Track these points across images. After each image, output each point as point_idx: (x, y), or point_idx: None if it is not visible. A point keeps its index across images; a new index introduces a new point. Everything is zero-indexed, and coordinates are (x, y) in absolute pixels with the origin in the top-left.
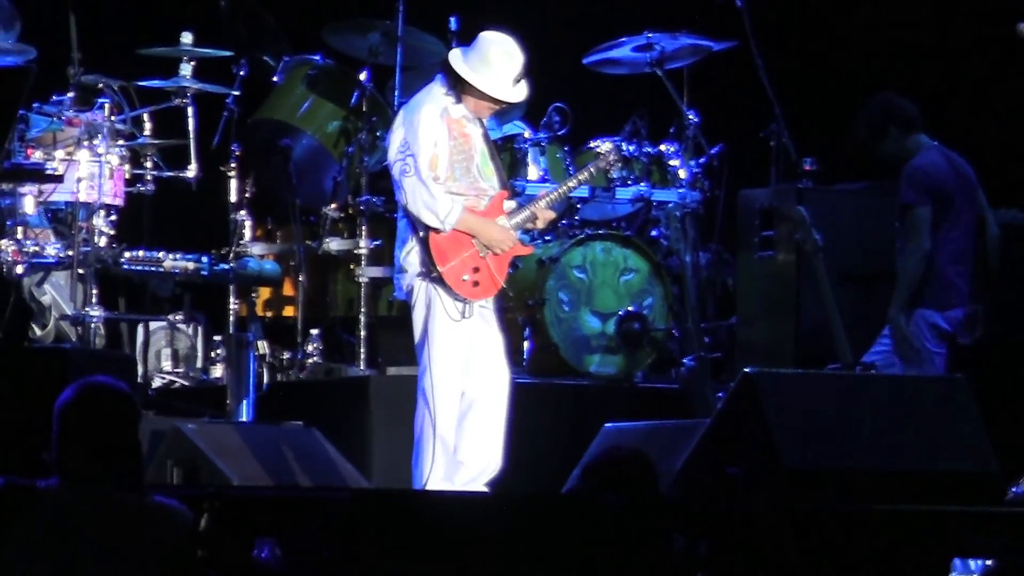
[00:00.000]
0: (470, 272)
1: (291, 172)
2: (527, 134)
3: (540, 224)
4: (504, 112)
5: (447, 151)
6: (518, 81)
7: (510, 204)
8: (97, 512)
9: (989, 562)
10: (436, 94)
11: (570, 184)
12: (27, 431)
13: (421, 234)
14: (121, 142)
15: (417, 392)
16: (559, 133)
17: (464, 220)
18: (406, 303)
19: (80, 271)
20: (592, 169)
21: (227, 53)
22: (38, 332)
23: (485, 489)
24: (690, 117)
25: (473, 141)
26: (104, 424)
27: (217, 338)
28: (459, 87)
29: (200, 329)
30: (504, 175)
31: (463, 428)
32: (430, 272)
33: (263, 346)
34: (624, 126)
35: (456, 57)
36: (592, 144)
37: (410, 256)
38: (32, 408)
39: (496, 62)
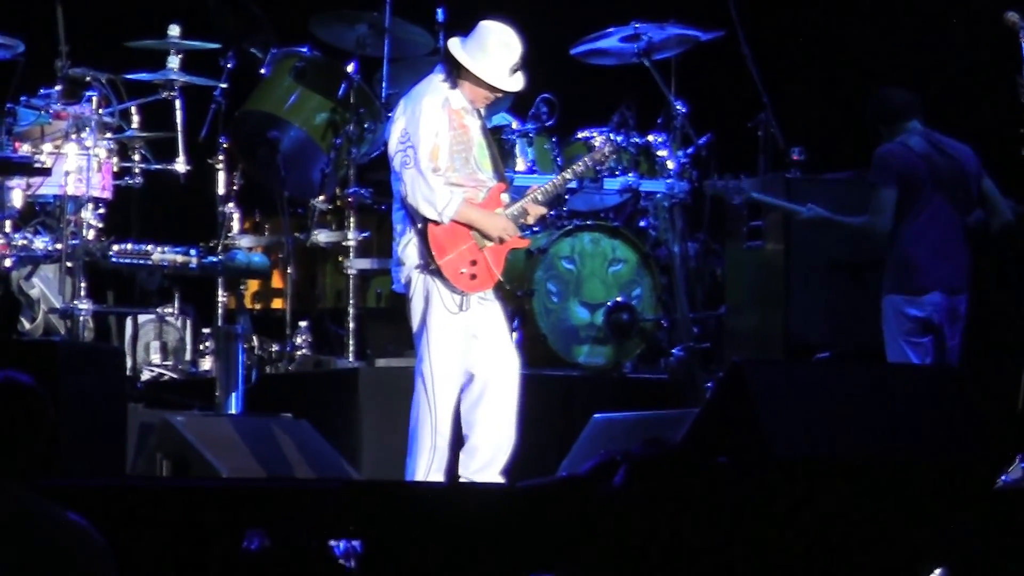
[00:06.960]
0: (468, 265)
1: (279, 164)
2: (515, 125)
3: (531, 219)
4: (492, 104)
5: (447, 141)
6: (515, 71)
7: (506, 197)
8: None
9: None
10: (437, 84)
11: (565, 176)
12: None
13: (419, 226)
14: (109, 135)
15: (415, 384)
16: (547, 124)
17: (463, 212)
18: (399, 295)
19: (68, 264)
20: (587, 161)
21: (214, 45)
22: (27, 325)
23: (500, 478)
24: (678, 107)
25: (471, 133)
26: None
27: (206, 330)
28: (456, 73)
29: (189, 322)
30: (501, 168)
31: (476, 414)
32: (428, 265)
33: (252, 338)
34: (612, 117)
35: (455, 44)
36: (580, 135)
37: (408, 248)
38: None
39: (494, 50)
